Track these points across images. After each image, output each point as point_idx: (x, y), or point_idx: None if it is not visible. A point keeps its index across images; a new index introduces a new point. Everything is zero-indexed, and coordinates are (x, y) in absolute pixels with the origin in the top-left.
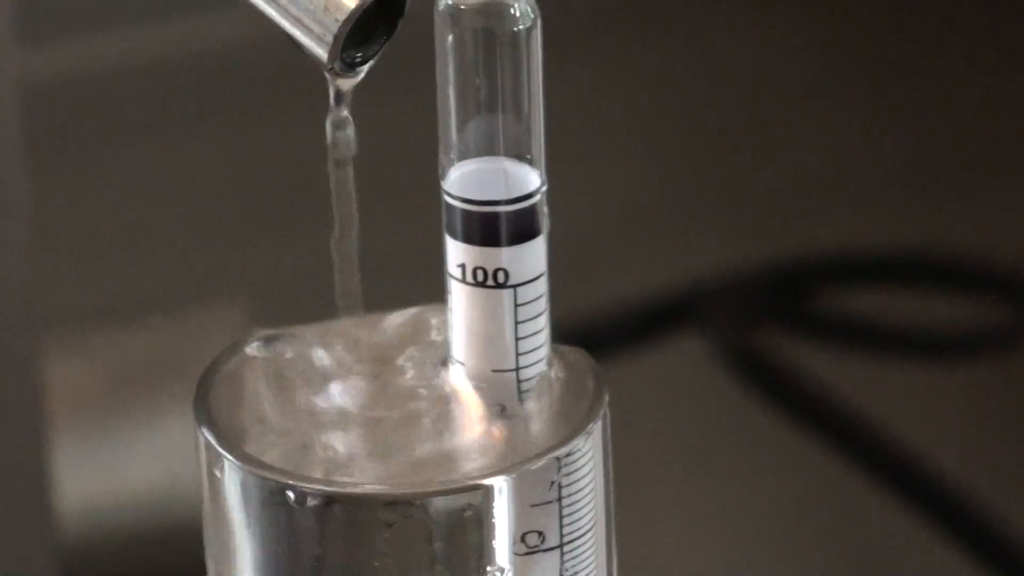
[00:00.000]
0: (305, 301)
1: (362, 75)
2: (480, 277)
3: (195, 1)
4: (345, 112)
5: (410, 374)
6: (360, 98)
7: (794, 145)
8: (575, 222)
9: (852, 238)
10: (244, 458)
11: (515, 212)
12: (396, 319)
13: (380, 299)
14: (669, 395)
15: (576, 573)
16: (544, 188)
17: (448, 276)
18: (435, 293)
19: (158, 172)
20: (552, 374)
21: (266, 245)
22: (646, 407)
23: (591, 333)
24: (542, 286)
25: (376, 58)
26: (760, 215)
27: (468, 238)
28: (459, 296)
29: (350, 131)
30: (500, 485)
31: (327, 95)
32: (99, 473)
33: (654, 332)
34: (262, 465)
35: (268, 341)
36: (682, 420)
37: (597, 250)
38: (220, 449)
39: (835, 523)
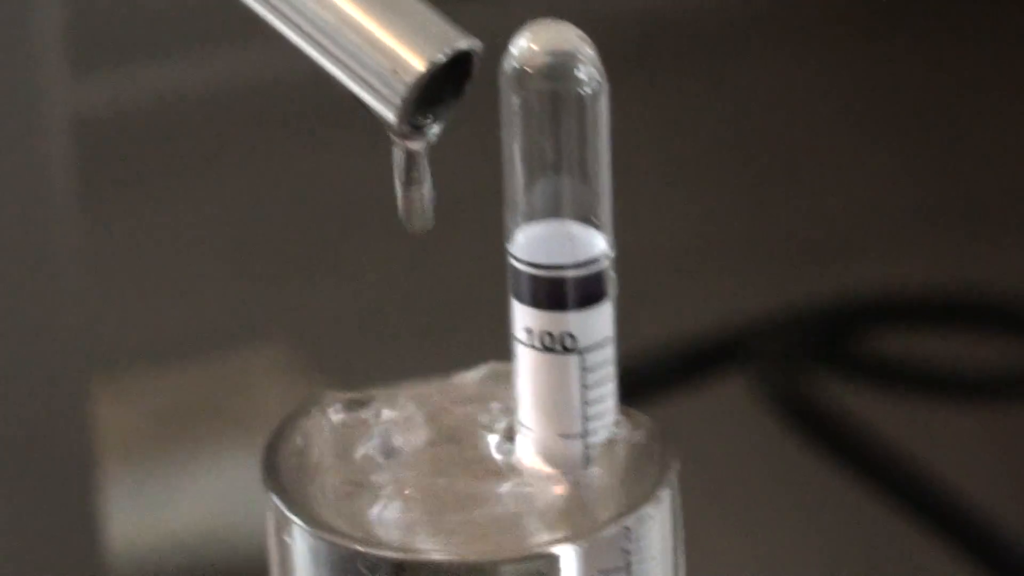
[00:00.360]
0: (353, 343)
1: (433, 137)
2: (547, 342)
3: (247, 34)
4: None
5: (477, 438)
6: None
7: (838, 189)
8: (619, 264)
9: (896, 280)
10: (315, 524)
11: (582, 277)
12: (463, 380)
13: (447, 359)
14: (715, 436)
15: None
16: (612, 253)
17: (514, 340)
18: (501, 350)
19: (206, 208)
20: (620, 439)
21: (315, 286)
22: (692, 449)
23: (637, 375)
24: (610, 351)
25: (444, 121)
26: (804, 258)
27: (535, 302)
28: (526, 360)
29: (427, 200)
30: (568, 553)
31: (376, 132)
32: (146, 513)
33: (699, 374)
34: (333, 531)
35: (335, 403)
36: (728, 461)
37: (642, 292)
38: (290, 515)
39: (882, 564)
